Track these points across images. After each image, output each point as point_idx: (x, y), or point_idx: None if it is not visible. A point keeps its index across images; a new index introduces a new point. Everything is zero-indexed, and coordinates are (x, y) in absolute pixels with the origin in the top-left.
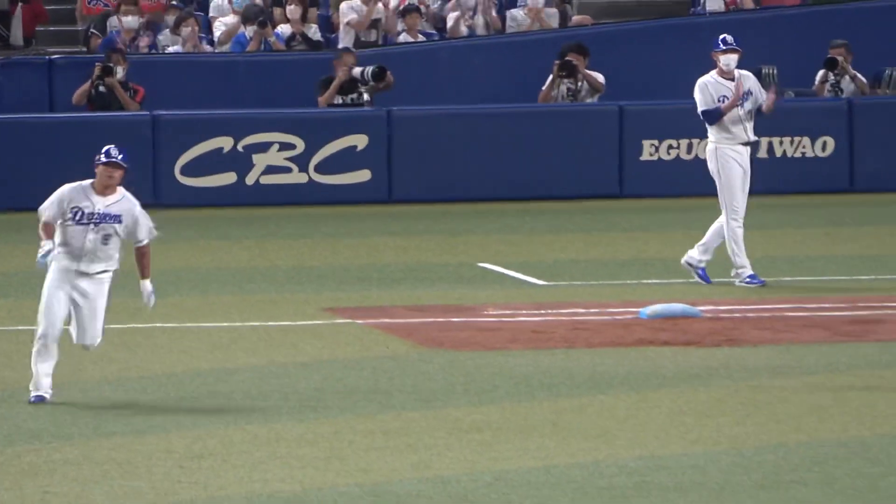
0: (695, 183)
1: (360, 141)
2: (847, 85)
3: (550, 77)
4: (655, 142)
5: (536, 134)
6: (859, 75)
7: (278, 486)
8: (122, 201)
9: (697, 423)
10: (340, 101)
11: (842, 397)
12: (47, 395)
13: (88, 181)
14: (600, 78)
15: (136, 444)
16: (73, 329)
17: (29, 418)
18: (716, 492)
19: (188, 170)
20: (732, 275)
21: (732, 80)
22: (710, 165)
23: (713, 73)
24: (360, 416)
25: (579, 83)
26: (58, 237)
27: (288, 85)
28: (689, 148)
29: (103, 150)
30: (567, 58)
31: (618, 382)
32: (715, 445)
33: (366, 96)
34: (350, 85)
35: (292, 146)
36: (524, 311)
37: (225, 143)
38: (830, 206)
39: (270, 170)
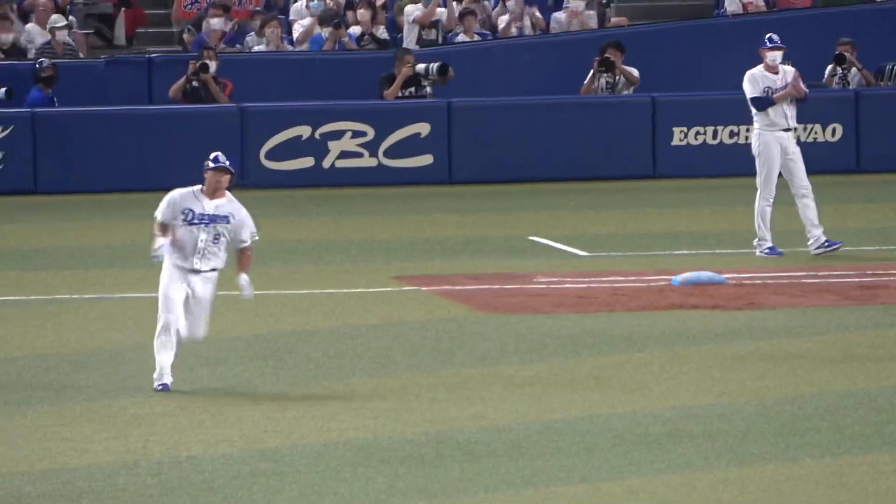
0: (719, 165)
1: (423, 129)
2: (853, 77)
3: (591, 72)
4: (684, 129)
5: (579, 122)
6: (865, 69)
7: (353, 434)
8: (230, 203)
9: (723, 377)
10: (399, 95)
11: (850, 354)
12: (170, 382)
13: (198, 186)
14: (635, 72)
15: (227, 396)
16: (182, 326)
17: (130, 375)
18: (740, 438)
19: (272, 155)
20: (754, 244)
21: (776, 73)
22: (753, 147)
23: (759, 67)
24: (424, 373)
25: (617, 77)
26: (173, 241)
27: (359, 79)
28: (715, 134)
29: (211, 157)
30: (606, 54)
31: (653, 341)
32: (739, 397)
33: (428, 89)
34: (411, 79)
35: (364, 133)
36: (569, 279)
37: (304, 131)
38: (839, 185)
39: (344, 155)
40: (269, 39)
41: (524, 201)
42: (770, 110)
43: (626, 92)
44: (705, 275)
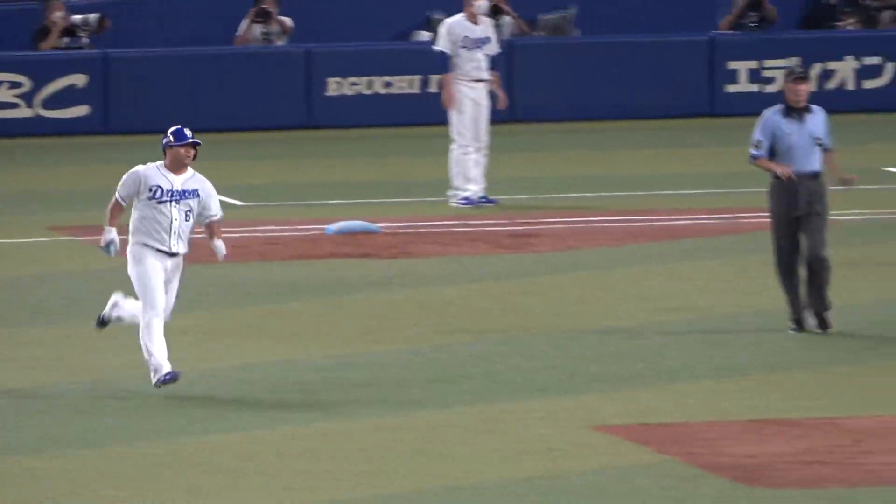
0: (374, 115)
1: (80, 79)
2: (506, 27)
3: (246, 21)
4: (339, 79)
5: (235, 72)
6: (520, 18)
7: (10, 384)
8: (195, 177)
9: (378, 325)
10: (56, 45)
11: (503, 301)
12: (173, 370)
13: (159, 162)
14: (289, 22)
15: None
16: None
17: None
18: (394, 385)
19: None
20: (448, 194)
21: (477, 24)
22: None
23: (461, 15)
24: (81, 322)
25: (271, 27)
26: (141, 221)
27: (14, 30)
28: (370, 84)
29: (173, 132)
30: (262, 4)
31: (308, 291)
32: (393, 345)
33: (85, 40)
34: (67, 30)
35: (20, 84)
36: (225, 229)
37: None
38: (494, 135)
39: (0, 105)
40: None
41: None
42: (466, 62)
43: (280, 42)
44: (359, 224)
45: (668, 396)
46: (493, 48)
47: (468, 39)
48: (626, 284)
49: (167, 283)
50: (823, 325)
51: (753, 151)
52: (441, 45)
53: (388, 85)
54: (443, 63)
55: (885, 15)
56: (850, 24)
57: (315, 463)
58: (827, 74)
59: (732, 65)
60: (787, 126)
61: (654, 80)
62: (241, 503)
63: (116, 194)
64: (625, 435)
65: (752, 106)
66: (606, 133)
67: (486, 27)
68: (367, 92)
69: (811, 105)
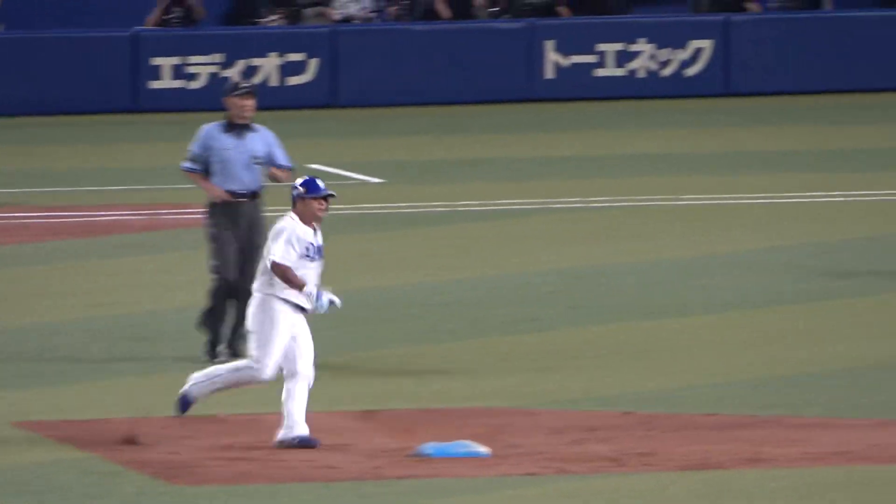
0: None
1: None
2: None
3: None
4: None
5: None
6: None
7: None
8: (319, 233)
9: None
10: None
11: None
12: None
13: (291, 215)
14: None
15: None
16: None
17: None
18: None
19: None
20: None
21: None
22: None
23: None
24: None
25: None
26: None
27: None
28: None
29: (309, 181)
30: None
31: None
32: None
33: None
34: None
35: None
36: None
37: None
38: None
39: None
40: None
41: None
42: None
43: None
44: None
45: (91, 392)
46: None
47: None
48: (48, 281)
49: (301, 336)
50: (235, 355)
51: (187, 164)
52: None
53: None
54: None
55: (310, 11)
56: (274, 21)
57: None
58: (251, 71)
59: (156, 61)
60: (226, 141)
61: (77, 76)
62: None
63: (280, 260)
64: (46, 431)
65: (175, 102)
66: (25, 129)
67: None
68: None
69: (255, 124)
